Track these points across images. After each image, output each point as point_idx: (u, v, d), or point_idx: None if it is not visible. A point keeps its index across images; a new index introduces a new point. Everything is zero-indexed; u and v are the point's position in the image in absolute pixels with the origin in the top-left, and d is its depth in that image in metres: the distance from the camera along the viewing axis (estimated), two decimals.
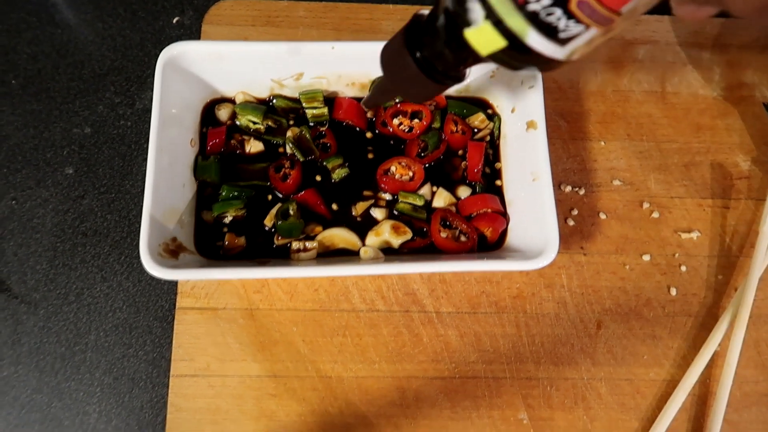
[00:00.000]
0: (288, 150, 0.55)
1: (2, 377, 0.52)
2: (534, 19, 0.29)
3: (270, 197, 0.54)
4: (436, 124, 0.56)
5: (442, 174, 0.55)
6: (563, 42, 0.30)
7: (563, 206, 0.57)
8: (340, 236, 0.52)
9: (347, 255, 0.52)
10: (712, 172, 0.60)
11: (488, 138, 0.57)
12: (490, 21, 0.30)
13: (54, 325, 0.53)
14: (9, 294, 0.54)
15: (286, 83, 0.55)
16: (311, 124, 0.56)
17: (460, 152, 0.56)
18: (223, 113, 0.55)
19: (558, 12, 0.28)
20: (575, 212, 0.57)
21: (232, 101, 0.56)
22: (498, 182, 0.55)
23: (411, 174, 0.54)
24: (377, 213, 0.53)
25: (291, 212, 0.51)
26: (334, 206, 0.54)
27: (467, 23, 0.31)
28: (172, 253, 0.47)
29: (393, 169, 0.54)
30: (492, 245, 0.53)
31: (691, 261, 0.56)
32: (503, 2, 0.29)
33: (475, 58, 0.33)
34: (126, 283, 0.55)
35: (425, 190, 0.54)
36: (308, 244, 0.51)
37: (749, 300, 0.53)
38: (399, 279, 0.54)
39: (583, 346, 0.53)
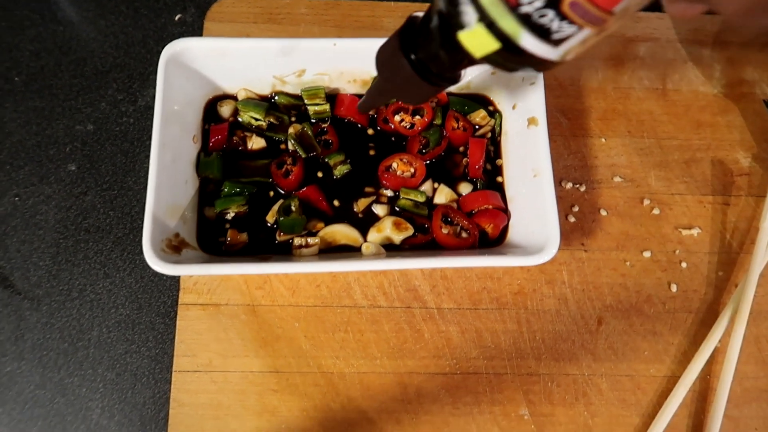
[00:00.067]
0: (290, 146, 0.55)
1: (5, 373, 0.52)
2: (527, 20, 0.29)
3: (272, 194, 0.54)
4: (438, 121, 0.56)
5: (444, 170, 0.56)
6: (557, 43, 0.30)
7: (564, 203, 0.57)
8: (342, 232, 0.52)
9: (349, 251, 0.52)
10: (713, 168, 0.60)
11: (489, 135, 0.57)
12: (484, 23, 0.30)
13: (57, 321, 0.53)
14: (12, 290, 0.54)
15: (288, 80, 0.56)
16: (313, 120, 0.56)
17: (462, 149, 0.56)
18: (225, 110, 0.56)
19: (551, 13, 0.28)
20: (576, 209, 0.57)
21: (234, 98, 0.56)
22: (499, 179, 0.55)
23: (412, 170, 0.54)
24: (379, 209, 0.53)
25: (293, 208, 0.51)
26: (336, 203, 0.54)
27: (461, 26, 0.31)
28: (174, 248, 0.48)
29: (394, 165, 0.54)
30: (493, 241, 0.53)
31: (691, 257, 0.56)
32: (496, 5, 0.29)
33: (470, 60, 0.33)
34: (128, 279, 0.55)
35: (426, 186, 0.54)
36: (310, 240, 0.51)
37: (749, 296, 0.53)
38: (400, 275, 0.54)
39: (584, 342, 0.53)
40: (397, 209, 0.54)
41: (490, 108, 0.57)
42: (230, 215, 0.53)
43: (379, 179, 0.54)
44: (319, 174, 0.55)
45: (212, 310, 0.52)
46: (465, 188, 0.55)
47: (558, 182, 0.58)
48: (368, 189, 0.55)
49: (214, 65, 0.54)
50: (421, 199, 0.53)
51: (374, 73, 0.55)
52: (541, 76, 0.52)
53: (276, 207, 0.52)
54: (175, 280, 0.54)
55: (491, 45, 0.31)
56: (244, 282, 0.53)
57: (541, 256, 0.47)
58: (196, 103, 0.55)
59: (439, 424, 0.51)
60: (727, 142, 0.61)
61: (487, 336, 0.53)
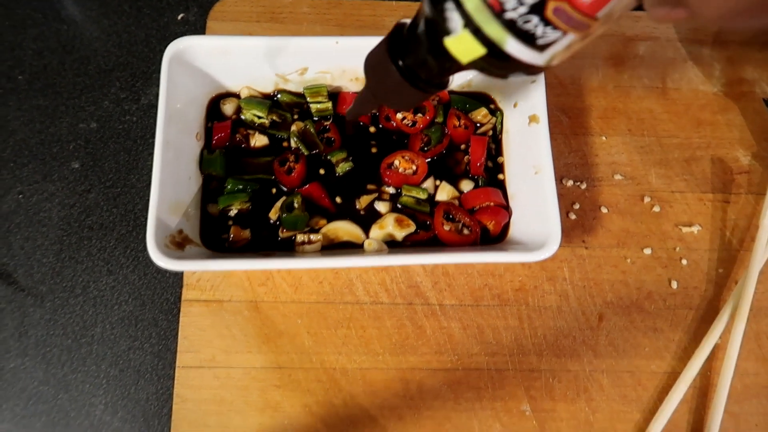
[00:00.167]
0: (292, 144, 0.55)
1: (9, 369, 0.52)
2: (512, 26, 0.29)
3: (274, 191, 0.54)
4: (439, 119, 0.57)
5: (445, 168, 0.56)
6: (542, 48, 0.30)
7: (565, 200, 0.58)
8: (344, 229, 0.52)
9: (351, 248, 0.52)
10: (713, 166, 0.60)
11: (491, 132, 0.57)
12: (469, 29, 0.30)
13: (60, 318, 0.54)
14: (16, 287, 0.54)
15: (291, 78, 0.56)
16: (315, 118, 0.57)
17: (463, 146, 0.57)
18: (228, 108, 0.56)
19: (535, 19, 0.28)
20: (577, 206, 0.58)
21: (237, 96, 0.57)
22: (500, 176, 0.56)
23: (414, 168, 0.54)
24: (381, 206, 0.54)
25: (296, 205, 0.52)
26: (338, 200, 0.54)
27: (447, 32, 0.31)
28: (178, 245, 0.48)
29: (396, 162, 0.54)
30: (495, 238, 0.53)
31: (691, 254, 0.57)
32: (481, 11, 0.29)
33: (457, 66, 0.34)
34: (132, 276, 0.55)
35: (428, 183, 0.55)
36: (313, 237, 0.51)
37: (750, 293, 0.53)
38: (402, 272, 0.54)
39: (585, 338, 0.54)
40: (399, 206, 0.54)
41: (492, 106, 0.58)
42: (233, 212, 0.53)
43: (381, 176, 0.55)
44: (321, 171, 0.55)
45: (215, 307, 0.53)
46: (466, 185, 0.55)
47: (559, 180, 0.58)
48: (370, 186, 0.55)
49: (217, 63, 0.54)
50: (423, 196, 0.54)
51: None
52: (542, 74, 0.53)
53: (279, 204, 0.52)
54: (178, 276, 0.54)
55: (477, 51, 0.31)
56: (247, 278, 0.53)
57: (543, 252, 0.47)
58: (199, 100, 0.55)
59: (441, 420, 0.51)
60: (727, 140, 0.61)
61: (488, 332, 0.53)
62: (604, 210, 0.58)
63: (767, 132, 0.62)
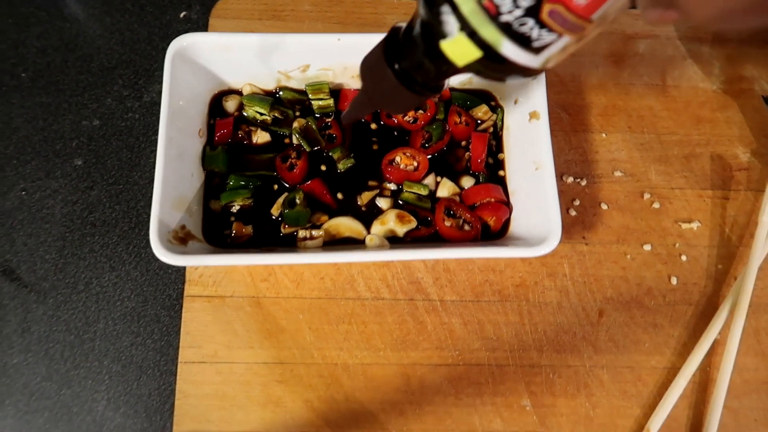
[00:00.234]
0: (294, 140, 0.56)
1: (12, 365, 0.52)
2: (507, 29, 0.29)
3: (276, 187, 0.54)
4: (440, 116, 0.57)
5: (446, 164, 0.56)
6: (537, 50, 0.30)
7: (565, 197, 0.58)
8: (346, 225, 0.53)
9: (353, 244, 0.52)
10: (712, 163, 0.60)
11: (491, 129, 0.57)
12: (465, 32, 0.30)
13: (63, 314, 0.54)
14: (19, 283, 0.54)
15: (293, 75, 0.56)
16: (317, 115, 0.57)
17: (464, 143, 0.57)
18: (230, 104, 0.56)
19: (530, 22, 0.29)
20: (577, 203, 0.58)
21: (239, 93, 0.57)
22: (501, 172, 0.56)
23: (415, 164, 0.55)
24: (382, 202, 0.54)
25: (297, 201, 0.52)
26: (340, 196, 0.55)
27: (443, 35, 0.31)
28: (181, 240, 0.48)
29: (398, 159, 0.55)
30: (495, 234, 0.53)
31: (691, 251, 0.57)
32: (477, 14, 0.29)
33: (453, 69, 0.34)
34: (134, 272, 0.55)
35: (429, 180, 0.55)
36: (314, 233, 0.52)
37: (749, 289, 0.53)
38: (403, 267, 0.55)
39: (585, 334, 0.54)
40: (401, 202, 0.54)
41: (492, 103, 0.58)
42: (235, 208, 0.53)
43: (382, 173, 0.55)
44: (323, 167, 0.55)
45: (217, 302, 0.53)
46: (467, 182, 0.55)
47: (559, 176, 0.58)
48: (372, 183, 0.55)
49: (219, 60, 0.54)
50: (424, 192, 0.54)
51: None
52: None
53: (281, 200, 0.53)
54: (180, 273, 0.55)
55: (473, 54, 0.31)
56: (249, 274, 0.54)
57: (543, 247, 0.47)
58: (202, 97, 0.56)
59: (441, 415, 0.51)
60: (726, 137, 0.62)
61: (489, 328, 0.53)
62: (604, 206, 0.58)
63: (766, 129, 0.62)
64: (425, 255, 0.49)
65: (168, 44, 0.52)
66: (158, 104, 0.51)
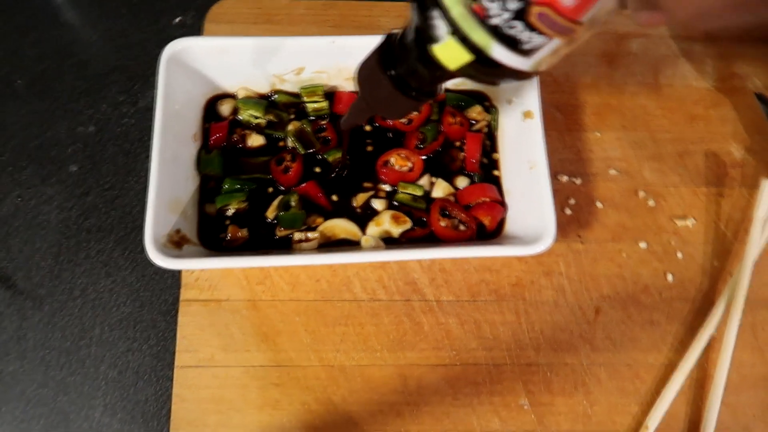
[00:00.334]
0: (289, 143, 0.56)
1: (8, 372, 0.52)
2: (496, 32, 0.29)
3: (271, 190, 0.54)
4: (435, 117, 0.57)
5: (441, 165, 0.56)
6: (527, 53, 0.31)
7: (560, 196, 0.58)
8: (341, 227, 0.53)
9: (348, 245, 0.52)
10: (706, 160, 0.61)
11: (486, 129, 0.58)
12: (455, 36, 0.31)
13: (59, 321, 0.54)
14: (15, 290, 0.54)
15: (287, 78, 0.56)
16: (312, 117, 0.57)
17: (458, 144, 0.57)
18: (225, 108, 0.56)
19: (519, 25, 0.29)
20: (572, 201, 0.58)
21: (233, 97, 0.57)
22: (495, 172, 0.56)
23: (410, 165, 0.55)
24: (377, 204, 0.54)
25: (292, 203, 0.52)
26: (335, 198, 0.55)
27: (434, 39, 0.32)
28: (176, 244, 0.48)
29: (392, 160, 0.55)
30: (491, 234, 0.53)
31: (686, 247, 0.57)
32: (466, 18, 0.30)
33: (447, 74, 0.34)
34: (130, 278, 0.55)
35: (424, 180, 0.55)
36: (310, 235, 0.52)
37: (744, 285, 0.53)
38: (399, 268, 0.55)
39: (582, 332, 0.54)
40: (396, 203, 0.54)
41: (486, 103, 0.58)
42: (231, 211, 0.53)
43: (377, 174, 0.55)
44: (317, 169, 0.55)
45: (213, 306, 0.53)
46: (462, 182, 0.55)
47: (554, 176, 0.59)
48: (367, 184, 0.55)
49: (214, 64, 0.54)
50: (419, 193, 0.54)
51: None
52: None
53: (276, 203, 0.53)
54: (176, 278, 0.55)
55: (464, 57, 0.31)
56: (245, 277, 0.54)
57: (538, 245, 0.47)
58: (196, 101, 0.56)
59: (439, 415, 0.51)
60: (720, 134, 0.62)
61: (486, 327, 0.53)
62: (599, 205, 0.58)
63: (760, 126, 0.62)
64: (421, 255, 0.49)
65: (162, 50, 0.52)
66: (153, 109, 0.50)
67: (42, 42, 0.63)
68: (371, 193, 0.55)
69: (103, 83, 0.62)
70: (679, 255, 0.57)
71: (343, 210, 0.54)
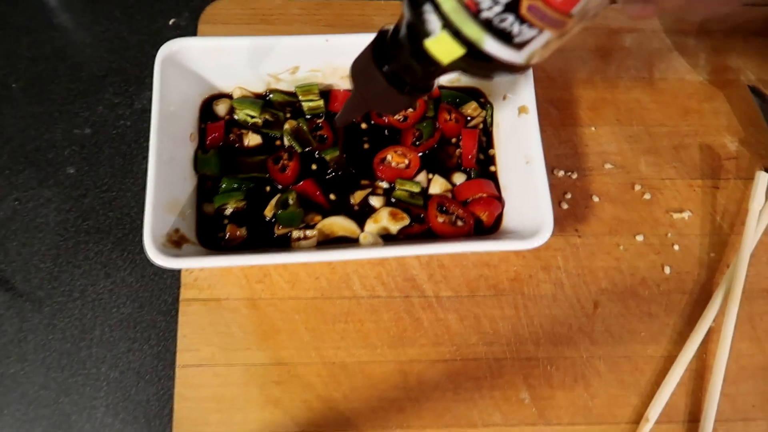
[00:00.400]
0: (286, 142, 0.56)
1: (9, 374, 0.52)
2: (488, 25, 0.30)
3: (269, 189, 0.55)
4: (430, 114, 0.57)
5: (437, 161, 0.57)
6: (519, 46, 0.31)
7: (557, 190, 0.58)
8: (340, 224, 0.53)
9: (347, 242, 0.53)
10: (701, 153, 0.61)
11: (481, 125, 0.58)
12: (448, 30, 0.31)
13: (59, 322, 0.54)
14: (14, 293, 0.54)
15: (282, 77, 0.57)
16: (308, 116, 0.57)
17: (454, 140, 0.57)
18: (221, 108, 0.57)
19: (510, 18, 0.29)
20: (569, 196, 0.58)
21: (229, 96, 0.57)
22: (492, 168, 0.57)
23: (407, 162, 0.55)
24: (375, 201, 0.54)
25: (290, 202, 0.52)
26: (332, 196, 0.55)
27: (426, 34, 0.32)
28: (175, 243, 0.48)
29: (389, 157, 0.55)
30: (488, 229, 0.54)
31: (683, 240, 0.57)
32: (457, 11, 0.30)
33: (440, 69, 0.34)
34: (129, 278, 0.55)
35: (421, 177, 0.55)
36: (308, 233, 0.52)
37: (741, 276, 0.54)
38: (398, 265, 0.55)
39: (581, 325, 0.54)
40: (393, 200, 0.55)
41: (481, 100, 0.59)
42: (229, 211, 0.53)
43: (374, 171, 0.55)
44: (314, 166, 0.56)
45: (213, 305, 0.53)
46: (459, 178, 0.56)
47: (550, 170, 0.59)
48: (364, 182, 0.55)
49: (209, 64, 0.54)
50: (416, 189, 0.54)
51: None
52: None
53: (273, 201, 0.53)
54: (175, 278, 0.55)
55: (456, 51, 0.32)
56: (244, 276, 0.54)
57: (536, 239, 0.47)
58: (192, 101, 0.56)
59: (441, 411, 0.51)
60: (714, 127, 0.62)
61: (485, 322, 0.54)
62: (595, 199, 0.58)
63: (753, 118, 0.62)
64: (419, 251, 0.49)
65: (158, 51, 0.52)
66: (149, 111, 0.51)
67: (36, 45, 0.63)
68: (369, 190, 0.55)
69: (98, 85, 0.62)
70: (676, 247, 0.57)
71: (341, 207, 0.54)
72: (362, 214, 0.54)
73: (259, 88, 0.58)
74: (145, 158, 0.58)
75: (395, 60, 0.37)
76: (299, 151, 0.55)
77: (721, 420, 0.51)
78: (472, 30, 0.30)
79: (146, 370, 0.53)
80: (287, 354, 0.52)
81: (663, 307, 0.55)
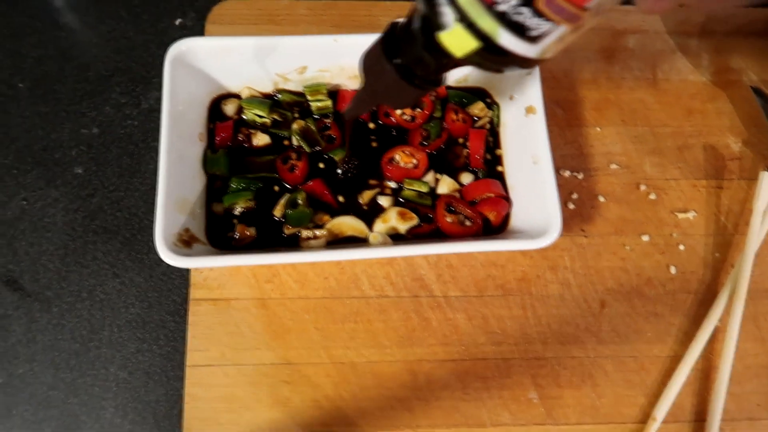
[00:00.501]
0: (294, 142, 0.56)
1: (18, 375, 0.52)
2: (504, 18, 0.30)
3: (277, 188, 0.55)
4: (438, 114, 0.58)
5: (445, 161, 0.57)
6: (534, 40, 0.31)
7: (563, 191, 0.59)
8: (348, 224, 0.53)
9: (356, 242, 0.53)
10: (705, 154, 0.62)
11: (488, 126, 0.58)
12: (462, 23, 0.31)
13: (68, 322, 0.54)
14: (22, 293, 0.54)
15: (291, 77, 0.57)
16: (316, 116, 0.57)
17: (462, 140, 0.58)
18: (229, 108, 0.57)
19: (526, 11, 0.29)
20: (575, 196, 0.59)
21: (237, 96, 0.57)
22: (499, 168, 0.57)
23: (415, 162, 0.55)
24: (383, 201, 0.55)
25: (299, 201, 0.52)
26: (341, 197, 0.55)
27: (440, 26, 0.32)
28: (185, 243, 0.48)
29: (397, 157, 0.55)
30: (496, 229, 0.54)
31: (688, 240, 0.58)
32: (473, 4, 0.30)
33: (452, 61, 0.34)
34: (138, 278, 0.55)
35: (429, 177, 0.56)
36: (317, 232, 0.52)
37: (746, 276, 0.54)
38: (407, 265, 0.55)
39: (588, 325, 0.54)
40: (402, 200, 0.55)
41: (488, 100, 0.59)
42: (238, 210, 0.53)
43: (382, 171, 0.56)
44: (321, 165, 0.56)
45: (223, 305, 0.53)
46: (466, 178, 0.56)
47: (556, 171, 0.59)
48: (372, 181, 0.56)
49: (218, 64, 0.55)
50: (424, 189, 0.55)
51: None
52: (536, 66, 0.54)
53: (283, 201, 0.53)
54: (184, 277, 0.55)
55: (471, 44, 0.32)
56: (254, 276, 0.54)
57: (544, 239, 0.48)
58: (201, 101, 0.56)
59: (449, 410, 0.51)
60: (718, 127, 0.63)
61: (493, 322, 0.54)
62: (601, 199, 0.59)
63: (756, 118, 0.63)
64: (428, 250, 0.49)
65: (164, 51, 0.52)
66: (156, 111, 0.51)
67: (42, 45, 0.63)
68: (377, 190, 0.55)
69: (105, 85, 0.62)
70: (681, 247, 0.57)
71: (350, 207, 0.55)
72: (371, 213, 0.54)
73: (268, 88, 0.58)
74: (153, 158, 0.58)
75: (406, 53, 0.37)
76: (308, 151, 0.56)
77: (726, 419, 0.51)
78: (486, 23, 0.30)
79: (155, 370, 0.53)
80: (296, 354, 0.52)
81: (669, 306, 0.55)
